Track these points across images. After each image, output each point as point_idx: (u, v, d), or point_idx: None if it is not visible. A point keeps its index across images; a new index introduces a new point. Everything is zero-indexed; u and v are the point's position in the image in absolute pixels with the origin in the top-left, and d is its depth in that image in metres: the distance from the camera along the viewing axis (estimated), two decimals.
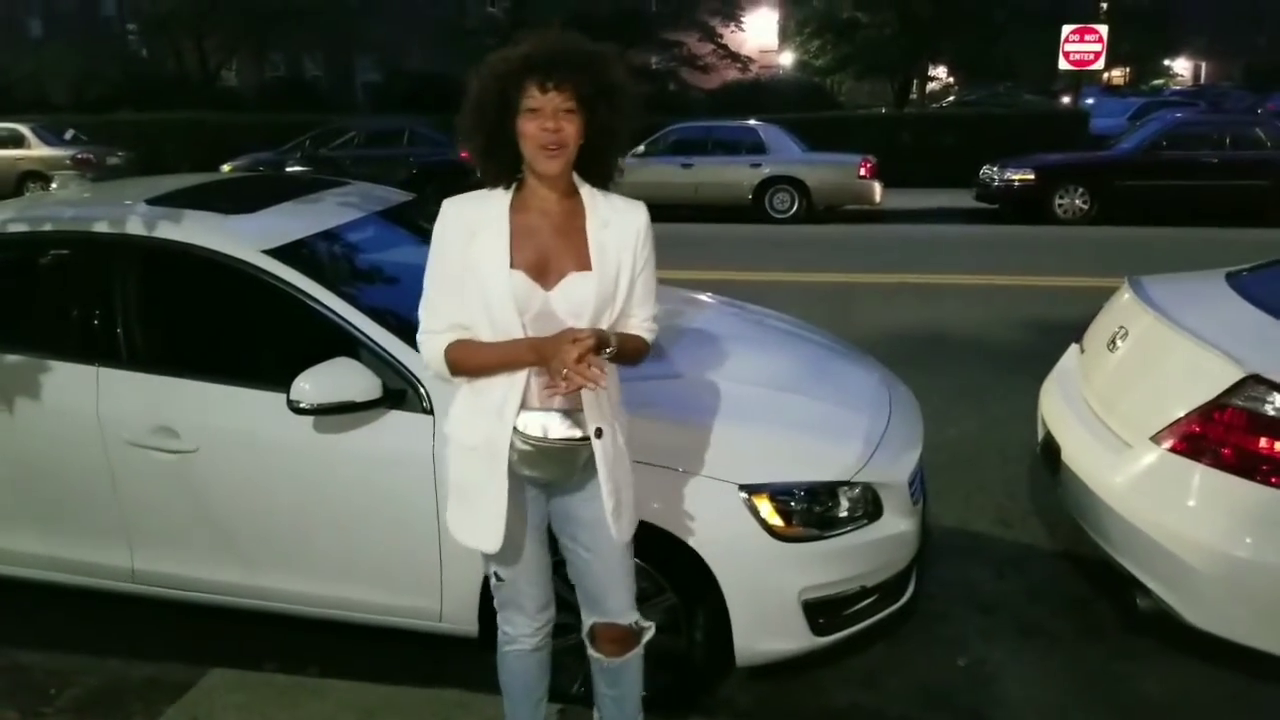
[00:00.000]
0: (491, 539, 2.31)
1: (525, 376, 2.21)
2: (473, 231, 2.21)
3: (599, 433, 2.25)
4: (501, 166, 2.22)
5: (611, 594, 2.46)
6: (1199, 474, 3.04)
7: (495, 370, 2.23)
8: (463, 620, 3.10)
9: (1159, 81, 43.44)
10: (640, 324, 2.32)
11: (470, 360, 2.24)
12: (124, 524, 3.33)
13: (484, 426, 2.25)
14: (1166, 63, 46.30)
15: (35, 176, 18.28)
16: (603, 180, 2.29)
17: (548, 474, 2.30)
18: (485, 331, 2.21)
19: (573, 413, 2.24)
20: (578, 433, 2.25)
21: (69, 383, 3.29)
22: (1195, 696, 3.29)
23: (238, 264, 3.19)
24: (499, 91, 2.14)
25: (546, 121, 2.10)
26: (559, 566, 2.53)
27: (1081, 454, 3.56)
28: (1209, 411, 3.07)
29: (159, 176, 4.63)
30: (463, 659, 3.23)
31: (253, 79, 33.18)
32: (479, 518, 2.31)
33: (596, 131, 2.17)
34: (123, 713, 3.09)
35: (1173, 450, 3.13)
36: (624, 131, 2.22)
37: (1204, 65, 50.07)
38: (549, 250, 2.22)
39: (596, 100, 2.13)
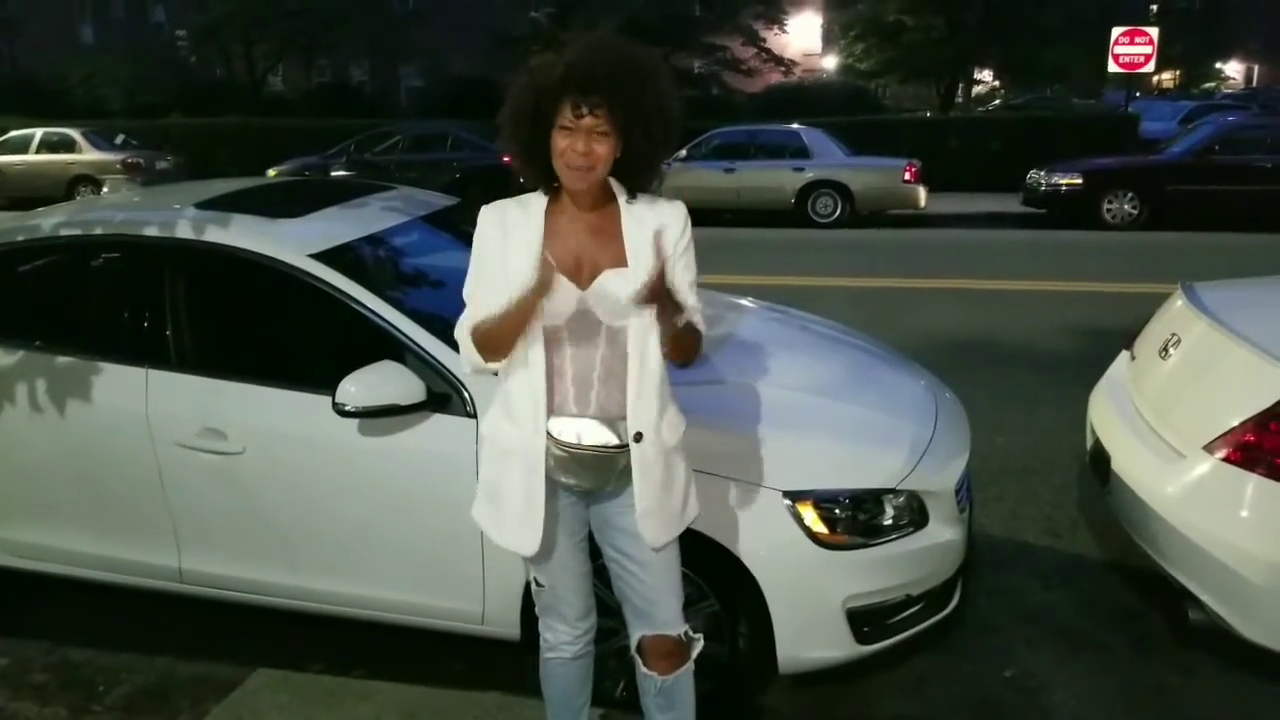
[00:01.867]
0: (529, 543, 2.30)
1: (544, 381, 2.20)
2: (508, 233, 2.21)
3: (639, 437, 2.23)
4: (539, 173, 2.22)
5: (659, 605, 2.42)
6: (1253, 484, 2.98)
7: (506, 321, 2.13)
8: (505, 623, 3.11)
9: (1210, 84, 42.71)
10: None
11: (482, 327, 2.18)
12: (172, 524, 3.37)
13: (518, 434, 2.25)
14: (1218, 65, 45.53)
15: (86, 180, 18.63)
16: (640, 191, 2.27)
17: (583, 481, 2.28)
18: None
19: (610, 420, 2.23)
20: (613, 439, 2.23)
21: (119, 384, 3.34)
22: (1250, 713, 3.22)
23: (284, 268, 3.22)
24: (534, 105, 2.12)
25: (578, 143, 2.09)
26: (600, 570, 2.52)
27: (1132, 463, 3.50)
28: (1264, 420, 3.00)
29: (207, 181, 4.70)
30: (505, 662, 3.23)
31: (299, 84, 33.56)
32: (513, 521, 2.31)
33: (632, 153, 2.16)
34: (170, 710, 3.12)
35: (1226, 460, 3.06)
36: (659, 154, 2.19)
37: (1257, 68, 49.11)
38: (584, 250, 2.21)
39: (631, 126, 2.10)
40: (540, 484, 2.26)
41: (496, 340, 2.20)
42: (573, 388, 2.22)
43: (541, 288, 2.05)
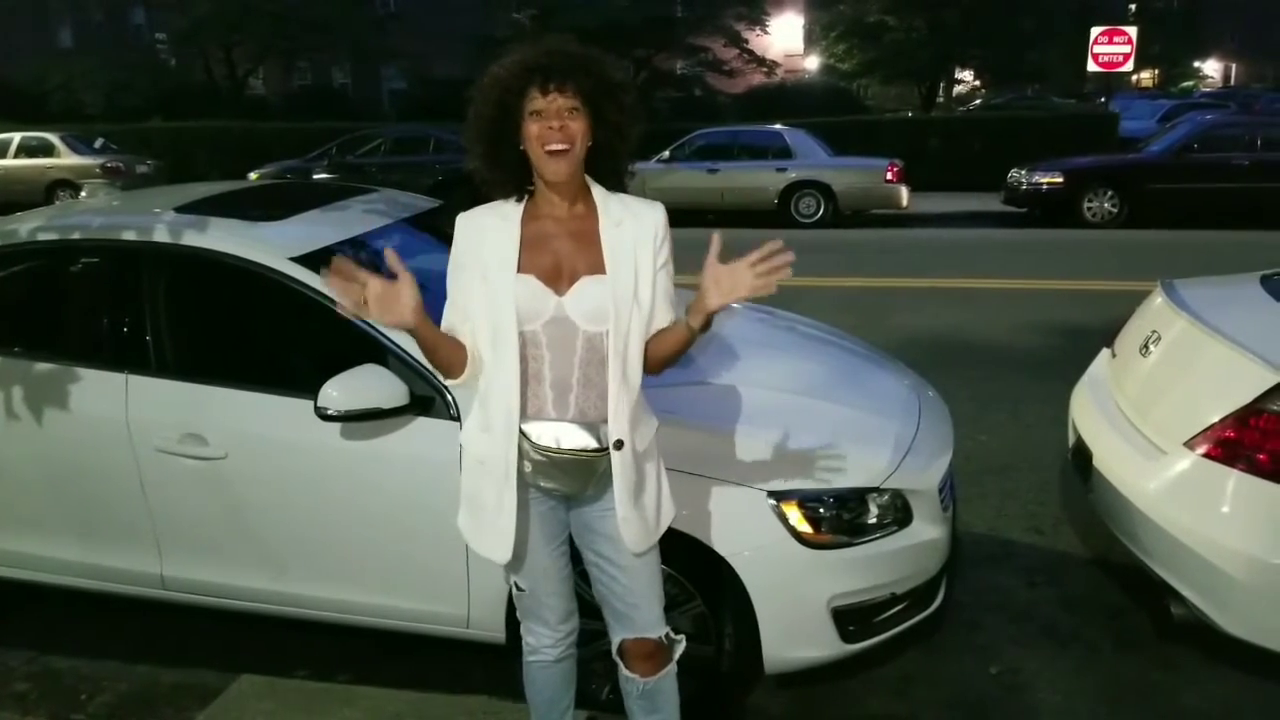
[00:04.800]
0: (501, 550, 2.30)
1: (518, 387, 2.19)
2: (484, 240, 2.21)
3: (619, 444, 2.23)
4: (507, 177, 2.21)
5: (640, 608, 2.41)
6: (1234, 480, 2.99)
7: (427, 344, 2.22)
8: (490, 626, 3.10)
9: (1189, 83, 43.06)
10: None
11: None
12: (153, 531, 3.35)
13: (490, 441, 2.25)
14: (1196, 64, 45.92)
15: (65, 185, 18.50)
16: (615, 181, 2.26)
17: (563, 485, 2.28)
18: (486, 338, 2.20)
19: (589, 424, 2.22)
20: (593, 443, 2.22)
21: (98, 390, 3.31)
22: (1235, 707, 3.24)
23: (265, 271, 3.20)
24: (498, 101, 2.13)
25: (551, 121, 2.08)
26: (583, 573, 2.50)
27: (1114, 460, 3.52)
28: (1244, 416, 3.02)
29: (188, 184, 4.66)
30: (490, 666, 3.22)
31: (280, 87, 33.44)
32: (488, 529, 2.31)
33: (604, 130, 2.15)
34: (153, 718, 3.10)
35: (1207, 456, 3.08)
36: (631, 129, 2.19)
37: (1234, 67, 49.55)
38: (561, 255, 2.19)
39: (600, 98, 2.12)
40: (512, 492, 2.25)
41: (432, 362, 2.27)
42: (551, 392, 2.21)
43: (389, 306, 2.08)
